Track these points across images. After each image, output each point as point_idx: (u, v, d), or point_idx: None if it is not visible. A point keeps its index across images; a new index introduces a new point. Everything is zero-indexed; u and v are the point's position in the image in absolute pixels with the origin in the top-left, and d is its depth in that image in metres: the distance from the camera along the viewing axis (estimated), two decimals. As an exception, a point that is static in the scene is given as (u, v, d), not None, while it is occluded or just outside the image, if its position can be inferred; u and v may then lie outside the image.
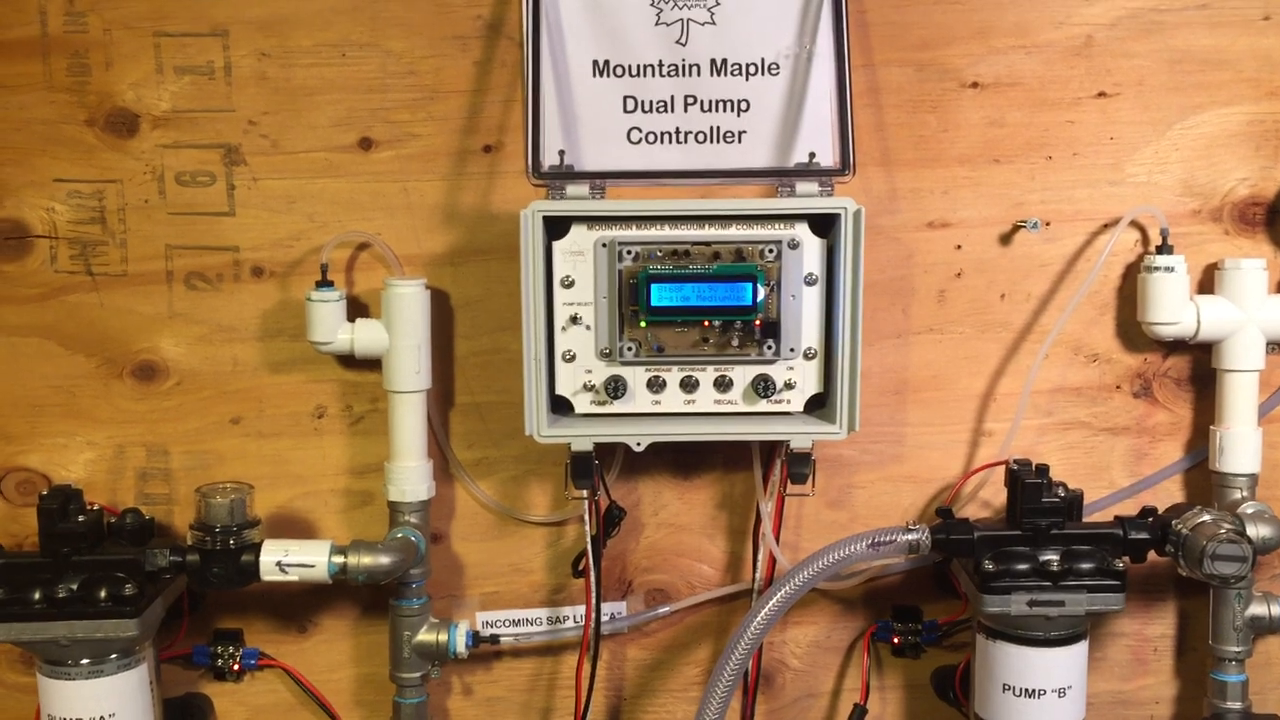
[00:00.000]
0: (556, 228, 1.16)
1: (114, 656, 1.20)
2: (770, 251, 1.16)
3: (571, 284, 1.17)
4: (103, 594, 1.18)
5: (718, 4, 1.22)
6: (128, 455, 1.33)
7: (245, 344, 1.31)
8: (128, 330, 1.31)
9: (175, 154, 1.28)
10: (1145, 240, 1.30)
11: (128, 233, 1.29)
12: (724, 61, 1.24)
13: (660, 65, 1.24)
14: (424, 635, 1.30)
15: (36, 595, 1.18)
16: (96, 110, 1.27)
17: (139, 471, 1.33)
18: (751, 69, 1.24)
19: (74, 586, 1.18)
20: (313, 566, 1.21)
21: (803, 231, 1.17)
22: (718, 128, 1.25)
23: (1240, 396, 1.28)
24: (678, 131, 1.25)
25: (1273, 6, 1.27)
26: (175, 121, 1.27)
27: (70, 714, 1.20)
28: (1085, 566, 1.20)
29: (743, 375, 1.19)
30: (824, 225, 1.17)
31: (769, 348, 1.18)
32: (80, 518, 1.20)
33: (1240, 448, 1.27)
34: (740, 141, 1.25)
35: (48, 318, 1.30)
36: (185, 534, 1.22)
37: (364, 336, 1.25)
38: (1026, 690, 1.22)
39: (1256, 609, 1.28)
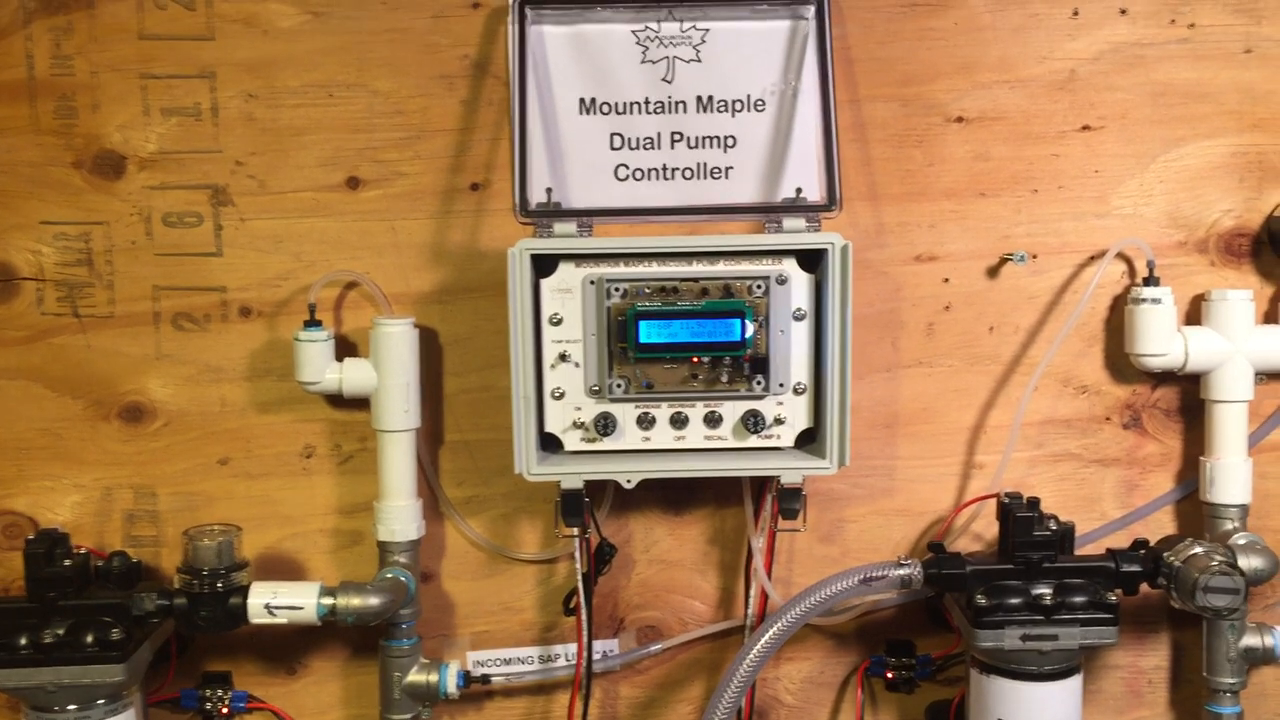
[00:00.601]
0: (544, 265, 1.16)
1: (101, 702, 1.19)
2: (758, 287, 1.17)
3: (560, 321, 1.17)
4: (89, 639, 1.17)
5: (703, 41, 1.22)
6: (115, 497, 1.32)
7: (233, 384, 1.31)
8: (115, 372, 1.30)
9: (162, 195, 1.28)
10: (1132, 272, 1.31)
11: (115, 274, 1.29)
12: (710, 98, 1.24)
13: (647, 102, 1.24)
14: (414, 676, 1.29)
15: (23, 640, 1.17)
16: (83, 152, 1.27)
17: (126, 514, 1.32)
18: (737, 105, 1.25)
19: (60, 631, 1.17)
20: (301, 609, 1.20)
21: (790, 267, 1.17)
22: (704, 164, 1.25)
23: (1230, 427, 1.28)
24: (664, 168, 1.25)
25: (1254, 40, 1.28)
26: (162, 163, 1.27)
27: (57, 760, 1.19)
28: (1078, 600, 1.19)
29: (732, 411, 1.19)
30: (812, 260, 1.17)
31: (758, 383, 1.18)
32: (67, 562, 1.19)
33: (1230, 478, 1.27)
34: (727, 177, 1.26)
35: (34, 360, 1.30)
36: (173, 576, 1.21)
37: (352, 376, 1.25)
38: (1021, 725, 1.21)
39: (1250, 640, 1.28)
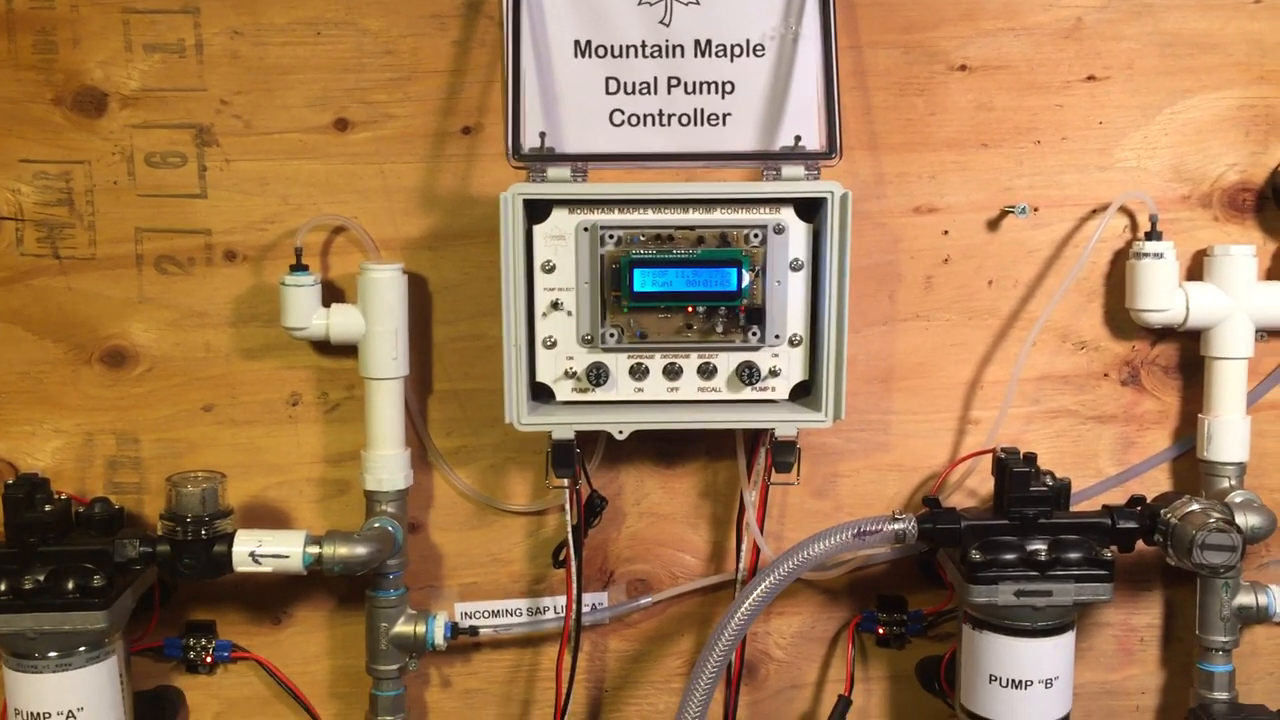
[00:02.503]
0: (537, 211, 1.14)
1: (82, 649, 1.17)
2: (755, 236, 1.14)
3: (553, 269, 1.15)
4: (70, 585, 1.15)
5: (702, -17, 1.20)
6: (97, 443, 1.30)
7: (217, 329, 1.28)
8: (96, 315, 1.28)
9: (145, 134, 1.24)
10: (1134, 226, 1.29)
11: (96, 215, 1.26)
12: (708, 42, 1.22)
13: (643, 46, 1.22)
14: (401, 627, 1.27)
15: (2, 587, 1.15)
16: (64, 89, 1.23)
17: (108, 460, 1.30)
18: (736, 50, 1.22)
19: (41, 578, 1.16)
20: (287, 557, 1.19)
21: (788, 216, 1.15)
22: (701, 110, 1.23)
23: (1229, 384, 1.26)
24: (661, 114, 1.23)
25: (1264, -11, 1.25)
26: (145, 101, 1.24)
27: (38, 708, 1.17)
28: (1073, 556, 1.19)
29: (727, 362, 1.17)
30: (810, 210, 1.15)
31: (754, 334, 1.16)
32: (47, 507, 1.18)
33: (1228, 436, 1.26)
34: (724, 124, 1.24)
35: (14, 302, 1.27)
36: (155, 524, 1.20)
37: (340, 322, 1.23)
38: (1013, 681, 1.21)
39: (1244, 599, 1.27)
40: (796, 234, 1.15)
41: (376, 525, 1.24)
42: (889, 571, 1.36)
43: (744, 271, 1.14)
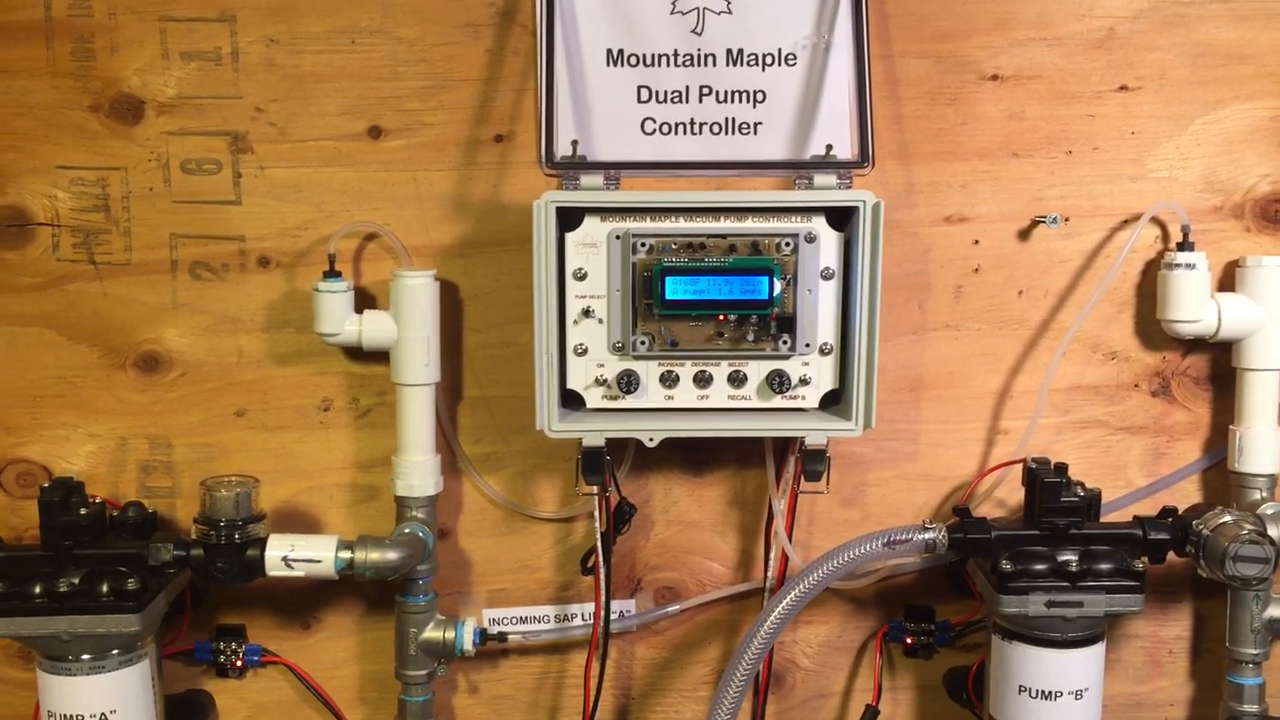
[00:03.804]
0: (569, 219, 1.14)
1: (115, 652, 1.18)
2: (787, 245, 1.15)
3: (584, 276, 1.15)
4: (104, 588, 1.16)
5: (734, -8, 1.20)
6: (130, 447, 1.31)
7: (250, 335, 1.29)
8: (131, 320, 1.29)
9: (181, 141, 1.26)
10: (1165, 237, 1.28)
11: (131, 221, 1.27)
12: (740, 52, 1.22)
13: (675, 55, 1.22)
14: (430, 632, 1.28)
15: (37, 589, 1.16)
16: (101, 96, 1.25)
17: (141, 464, 1.31)
18: (768, 59, 1.23)
19: (75, 580, 1.16)
20: (319, 562, 1.19)
21: (820, 225, 1.15)
22: (733, 119, 1.24)
23: (1260, 396, 1.26)
24: (692, 122, 1.24)
25: (1298, 0, 1.25)
26: (181, 108, 1.25)
27: (70, 710, 1.18)
28: (1104, 567, 1.18)
29: (757, 370, 1.17)
30: (841, 219, 1.15)
31: (784, 343, 1.16)
32: (82, 510, 1.18)
33: (1260, 448, 1.26)
34: (756, 133, 1.24)
35: (49, 307, 1.28)
36: (188, 528, 1.20)
37: (372, 328, 1.23)
38: (1043, 692, 1.20)
39: (1274, 611, 1.26)
40: (828, 243, 1.15)
41: (407, 531, 1.24)
42: (916, 581, 1.36)
43: (775, 280, 1.14)
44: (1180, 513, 1.23)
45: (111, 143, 1.25)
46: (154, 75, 1.24)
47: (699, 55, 1.22)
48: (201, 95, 1.25)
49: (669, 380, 1.17)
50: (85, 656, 1.17)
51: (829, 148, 1.19)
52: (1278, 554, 1.16)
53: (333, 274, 1.22)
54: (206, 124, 1.25)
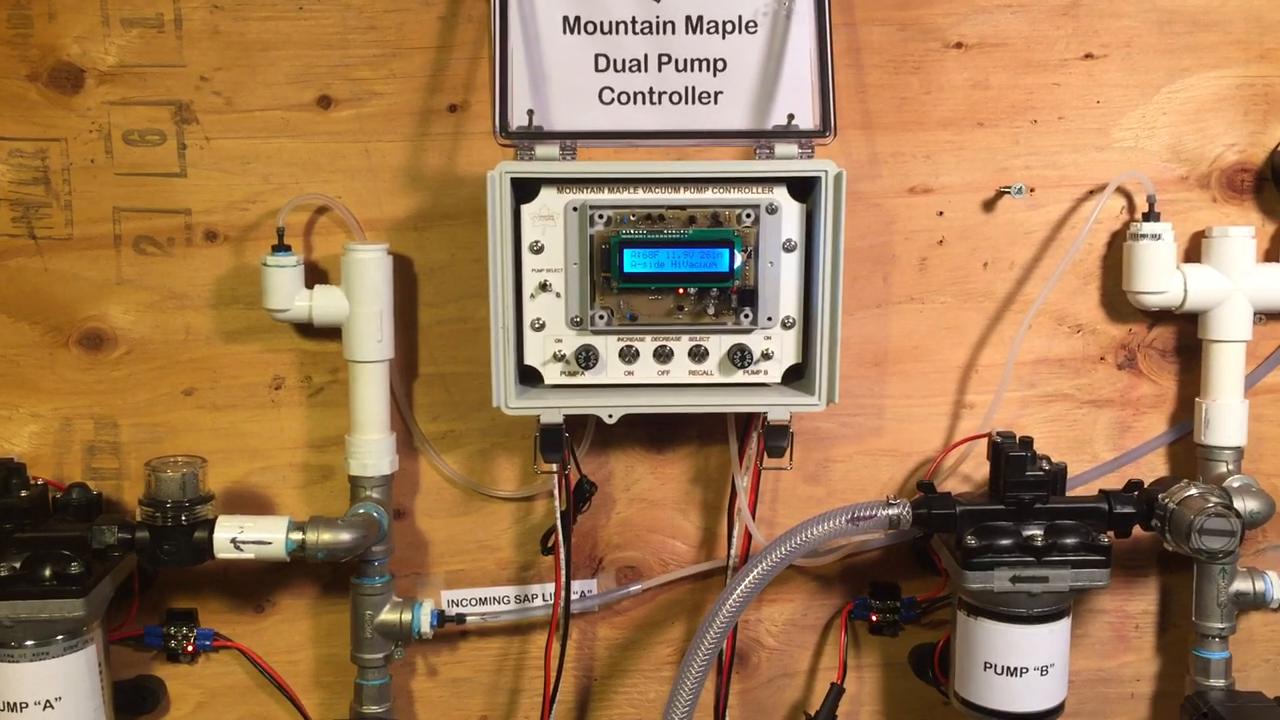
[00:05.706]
0: (525, 191, 1.12)
1: (60, 638, 1.15)
2: (748, 216, 1.12)
3: (541, 249, 1.13)
4: (47, 572, 1.13)
5: (693, -42, 1.17)
6: (74, 428, 1.27)
7: (198, 311, 1.26)
8: (74, 297, 1.25)
9: (123, 111, 1.22)
10: (1131, 207, 1.27)
11: (73, 194, 1.23)
12: (700, 19, 1.20)
13: (633, 22, 1.19)
14: (387, 615, 1.25)
15: (-23, 574, 1.13)
16: (39, 64, 1.20)
17: (86, 445, 1.28)
18: (728, 27, 1.20)
19: (17, 565, 1.13)
20: (269, 544, 1.16)
21: (781, 196, 1.13)
22: (693, 88, 1.21)
23: (1227, 367, 1.25)
24: (651, 91, 1.21)
25: (1264, -34, 1.23)
26: (123, 77, 1.21)
27: (15, 697, 1.15)
28: (1070, 541, 1.17)
29: (718, 345, 1.15)
30: (803, 190, 1.13)
31: (746, 316, 1.14)
32: (23, 492, 1.16)
33: (1226, 420, 1.25)
34: (716, 102, 1.21)
35: (-11, 283, 1.24)
36: (135, 510, 1.17)
37: (323, 304, 1.20)
38: (1008, 668, 1.19)
39: (1241, 585, 1.26)
40: (789, 214, 1.13)
41: (361, 511, 1.22)
42: (882, 558, 1.35)
43: (736, 252, 1.12)
44: (1146, 486, 1.22)
45: (51, 113, 1.21)
46: (94, 43, 1.20)
47: (658, 22, 1.19)
48: (144, 64, 1.21)
49: (628, 355, 1.15)
50: (29, 642, 1.14)
51: (790, 117, 1.17)
52: (1244, 527, 1.15)
53: (282, 248, 1.19)
54: (149, 94, 1.21)
